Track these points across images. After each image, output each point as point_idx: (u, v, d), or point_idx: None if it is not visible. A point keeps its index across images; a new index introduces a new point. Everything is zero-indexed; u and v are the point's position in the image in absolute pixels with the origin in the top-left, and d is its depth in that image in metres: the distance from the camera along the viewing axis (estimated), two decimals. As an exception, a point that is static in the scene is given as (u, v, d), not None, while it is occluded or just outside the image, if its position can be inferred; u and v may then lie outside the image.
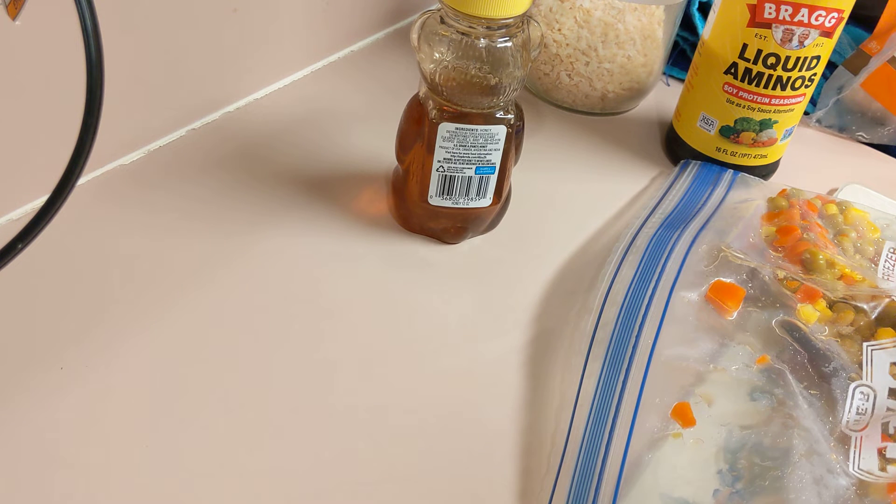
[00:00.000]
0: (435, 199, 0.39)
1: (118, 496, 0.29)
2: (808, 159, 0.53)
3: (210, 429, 0.32)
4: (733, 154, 0.48)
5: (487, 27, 0.35)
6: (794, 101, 0.45)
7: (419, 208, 0.40)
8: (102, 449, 0.30)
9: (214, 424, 0.32)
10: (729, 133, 0.47)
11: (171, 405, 0.32)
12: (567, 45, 0.51)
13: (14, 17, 0.34)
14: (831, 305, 0.38)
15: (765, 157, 0.48)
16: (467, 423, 0.34)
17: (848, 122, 0.56)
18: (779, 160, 0.50)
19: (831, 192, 0.50)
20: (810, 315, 0.37)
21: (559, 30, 0.51)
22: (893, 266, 0.41)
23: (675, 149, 0.51)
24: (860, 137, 0.56)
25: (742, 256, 0.40)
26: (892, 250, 0.42)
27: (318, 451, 0.32)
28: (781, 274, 0.39)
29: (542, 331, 0.38)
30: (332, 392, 0.34)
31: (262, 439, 0.32)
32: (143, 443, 0.31)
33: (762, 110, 0.46)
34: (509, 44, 0.35)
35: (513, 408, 0.34)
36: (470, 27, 0.35)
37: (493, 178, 0.39)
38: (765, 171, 0.49)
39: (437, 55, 0.35)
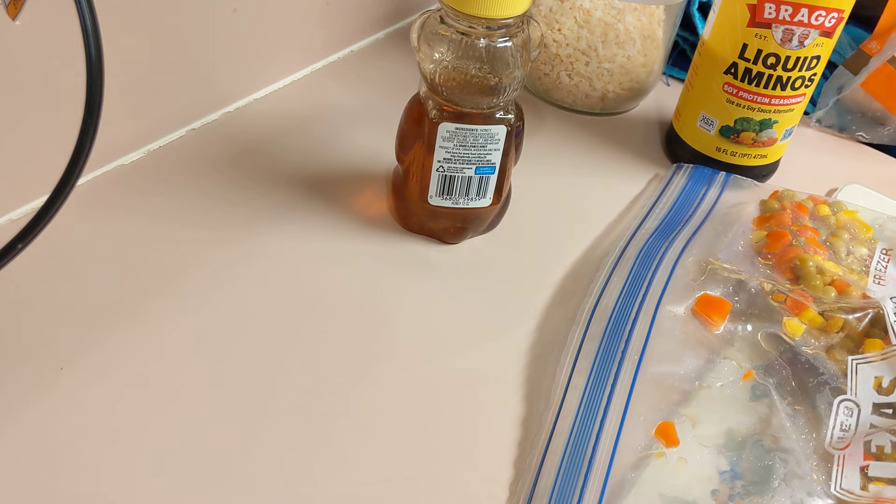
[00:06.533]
0: (435, 199, 0.39)
1: (118, 496, 0.29)
2: (808, 159, 0.53)
3: (210, 429, 0.32)
4: (733, 154, 0.48)
5: (487, 27, 0.35)
6: (794, 101, 0.45)
7: (419, 208, 0.40)
8: (103, 449, 0.30)
9: (215, 425, 0.32)
10: (729, 133, 0.47)
11: (171, 405, 0.32)
12: (567, 45, 0.51)
13: (14, 17, 0.34)
14: (821, 313, 0.37)
15: (765, 157, 0.48)
16: (464, 424, 0.34)
17: (848, 122, 0.56)
18: (779, 160, 0.50)
19: (831, 192, 0.50)
20: (796, 328, 0.37)
21: (559, 30, 0.51)
22: (886, 267, 0.41)
23: (675, 149, 0.51)
24: (860, 137, 0.56)
25: (730, 268, 0.39)
26: (884, 251, 0.42)
27: (316, 451, 0.32)
28: (768, 287, 0.38)
29: (541, 334, 0.38)
30: (331, 392, 0.34)
31: (262, 440, 0.32)
32: (143, 443, 0.31)
33: (762, 110, 0.46)
34: (509, 44, 0.35)
35: (506, 413, 0.34)
36: (470, 27, 0.35)
37: (493, 178, 0.39)
38: (765, 171, 0.49)
39: (437, 55, 0.35)
